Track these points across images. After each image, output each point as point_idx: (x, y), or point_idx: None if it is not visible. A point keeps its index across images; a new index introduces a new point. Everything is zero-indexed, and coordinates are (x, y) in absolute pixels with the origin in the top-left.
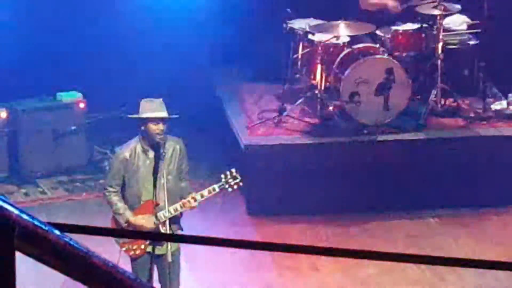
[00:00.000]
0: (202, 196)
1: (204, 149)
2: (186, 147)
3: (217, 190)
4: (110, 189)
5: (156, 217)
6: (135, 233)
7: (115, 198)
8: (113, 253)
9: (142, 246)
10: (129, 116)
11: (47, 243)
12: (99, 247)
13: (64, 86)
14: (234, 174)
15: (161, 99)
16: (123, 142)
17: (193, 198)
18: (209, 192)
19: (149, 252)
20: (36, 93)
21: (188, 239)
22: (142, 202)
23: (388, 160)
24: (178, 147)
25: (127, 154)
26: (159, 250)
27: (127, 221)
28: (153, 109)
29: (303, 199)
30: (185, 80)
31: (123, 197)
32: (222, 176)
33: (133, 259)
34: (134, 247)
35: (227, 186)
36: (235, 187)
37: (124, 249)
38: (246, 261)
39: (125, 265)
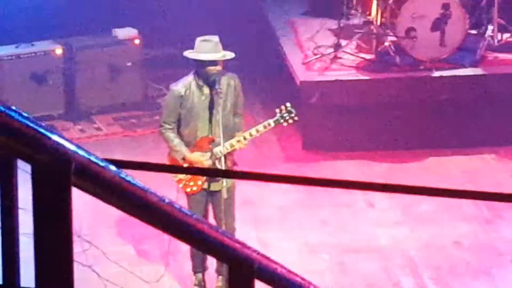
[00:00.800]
0: (257, 131)
1: (258, 85)
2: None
3: (272, 125)
4: (166, 125)
5: (212, 153)
6: (192, 169)
7: (171, 135)
8: (169, 189)
9: (199, 182)
10: (186, 55)
11: (103, 179)
12: (155, 183)
13: (120, 22)
14: (289, 108)
15: (217, 38)
16: (178, 79)
17: (249, 133)
18: (264, 127)
19: (205, 189)
20: (91, 29)
21: (243, 175)
22: (198, 139)
23: (444, 96)
24: (232, 82)
25: (182, 91)
26: (214, 187)
27: (184, 158)
28: (210, 49)
29: (359, 135)
30: (236, 14)
31: (179, 134)
32: (277, 110)
33: (189, 195)
34: (191, 183)
35: (282, 120)
36: (290, 121)
37: (181, 185)
38: (301, 198)
39: (182, 202)
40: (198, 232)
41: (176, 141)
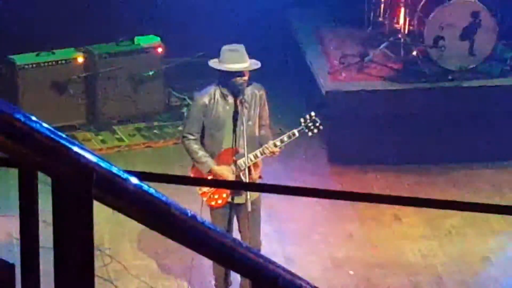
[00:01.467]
0: (281, 141)
1: (282, 96)
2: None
3: (297, 134)
4: (190, 136)
5: (236, 164)
6: (216, 182)
7: (195, 146)
8: (192, 202)
9: (224, 195)
10: (211, 65)
11: (125, 191)
12: (178, 196)
13: (142, 30)
14: (314, 117)
15: (243, 47)
16: (201, 88)
17: (273, 143)
18: (289, 137)
19: (229, 202)
20: (113, 37)
21: (268, 188)
22: (222, 150)
23: (473, 106)
24: (258, 92)
25: (206, 100)
26: (238, 199)
27: (210, 170)
28: (237, 59)
29: (386, 147)
30: (260, 23)
31: (202, 145)
32: (301, 120)
33: (213, 209)
34: (216, 196)
35: (306, 130)
36: (315, 131)
37: (205, 198)
38: (327, 211)
39: (206, 215)
40: (222, 247)
41: (201, 153)
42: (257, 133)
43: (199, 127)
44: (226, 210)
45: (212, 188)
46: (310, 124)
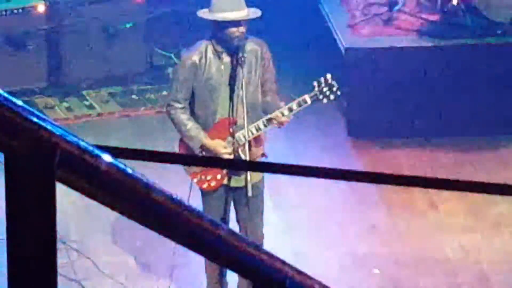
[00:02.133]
0: (290, 110)
1: (293, 54)
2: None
3: (309, 101)
4: (176, 104)
5: (234, 138)
6: (209, 160)
7: (183, 116)
8: (180, 185)
9: (219, 176)
10: (200, 15)
11: (96, 172)
12: (162, 177)
13: None
14: (330, 81)
15: None
16: (191, 44)
17: (280, 112)
18: (299, 104)
19: (225, 184)
20: None
21: (273, 168)
22: (216, 121)
23: None
24: (260, 50)
25: (196, 58)
26: (236, 182)
27: (202, 145)
28: (230, 6)
29: (419, 117)
30: None
31: (193, 115)
32: (315, 83)
33: (205, 193)
34: (209, 178)
35: (321, 96)
36: (332, 97)
37: (195, 180)
38: (346, 196)
39: (196, 201)
40: (215, 240)
41: (190, 124)
42: (260, 100)
43: (187, 93)
44: (221, 194)
45: (204, 168)
46: (325, 89)
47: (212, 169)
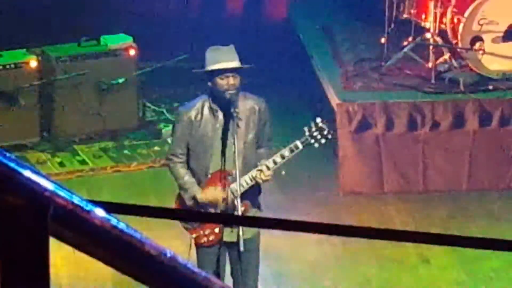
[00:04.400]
0: (282, 157)
1: (285, 108)
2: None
3: (300, 147)
4: (175, 159)
5: (226, 192)
6: (198, 214)
7: (182, 171)
8: (174, 239)
9: (216, 230)
10: (194, 70)
11: (89, 226)
12: (156, 232)
13: (110, 28)
14: (320, 125)
15: (231, 46)
16: (184, 99)
17: (272, 161)
18: (291, 150)
19: (218, 239)
20: (74, 36)
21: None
22: (209, 175)
23: None
24: (257, 107)
25: (192, 114)
26: (228, 236)
27: (193, 198)
28: (220, 58)
29: (411, 172)
30: (255, 20)
31: (188, 168)
32: (305, 129)
33: (199, 247)
34: (207, 232)
35: (312, 140)
36: (323, 141)
37: (194, 235)
38: (338, 251)
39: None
40: None
41: (187, 178)
42: (254, 155)
43: (185, 147)
44: (215, 248)
45: (202, 223)
46: (315, 133)
47: (208, 223)
